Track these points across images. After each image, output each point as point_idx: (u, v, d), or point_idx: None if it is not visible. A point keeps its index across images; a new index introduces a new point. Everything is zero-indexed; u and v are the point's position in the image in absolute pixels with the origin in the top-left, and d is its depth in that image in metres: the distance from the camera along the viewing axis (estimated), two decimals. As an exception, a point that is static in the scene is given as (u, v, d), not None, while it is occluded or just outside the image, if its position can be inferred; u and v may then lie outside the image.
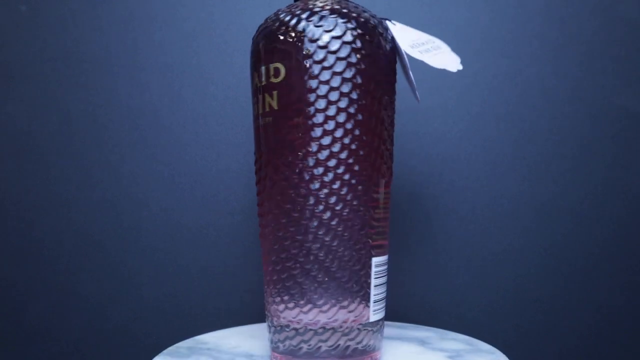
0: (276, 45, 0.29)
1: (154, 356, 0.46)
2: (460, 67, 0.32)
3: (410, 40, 0.32)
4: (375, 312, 0.31)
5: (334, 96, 0.29)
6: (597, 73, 0.46)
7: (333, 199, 0.29)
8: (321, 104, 0.29)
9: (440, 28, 0.46)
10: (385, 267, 0.32)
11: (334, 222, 0.29)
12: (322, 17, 0.29)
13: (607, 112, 0.46)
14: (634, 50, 0.46)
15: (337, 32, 0.29)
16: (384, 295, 0.31)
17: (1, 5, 0.46)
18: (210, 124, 0.46)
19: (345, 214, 0.29)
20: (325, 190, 0.29)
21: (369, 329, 0.30)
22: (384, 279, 0.31)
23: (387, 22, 0.31)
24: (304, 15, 0.29)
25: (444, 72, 0.46)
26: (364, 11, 0.30)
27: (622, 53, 0.46)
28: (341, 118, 0.29)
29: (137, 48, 0.46)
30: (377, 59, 0.30)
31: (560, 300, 0.46)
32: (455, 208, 0.46)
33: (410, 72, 0.32)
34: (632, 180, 0.46)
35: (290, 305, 0.30)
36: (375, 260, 0.31)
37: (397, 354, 0.33)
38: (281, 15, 0.30)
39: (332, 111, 0.29)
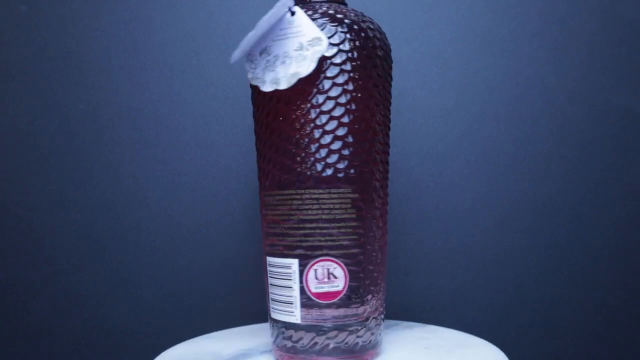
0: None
1: (154, 356, 0.46)
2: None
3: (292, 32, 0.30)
4: (275, 311, 0.31)
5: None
6: (597, 73, 0.46)
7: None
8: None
9: (440, 28, 0.46)
10: (289, 269, 0.30)
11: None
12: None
13: (607, 112, 0.46)
14: (634, 50, 0.46)
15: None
16: (290, 299, 0.30)
17: (1, 5, 0.46)
18: (210, 124, 0.46)
19: (263, 216, 0.32)
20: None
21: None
22: (287, 282, 0.30)
23: (296, 7, 0.30)
24: None
25: (444, 72, 0.46)
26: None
27: (622, 53, 0.46)
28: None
29: (137, 48, 0.46)
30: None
31: (560, 300, 0.46)
32: (455, 208, 0.46)
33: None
34: (632, 180, 0.46)
35: None
36: (269, 260, 0.31)
37: (397, 352, 0.33)
38: None
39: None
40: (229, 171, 0.46)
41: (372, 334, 0.31)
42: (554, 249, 0.46)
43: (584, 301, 0.46)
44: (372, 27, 0.31)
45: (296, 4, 0.32)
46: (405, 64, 0.46)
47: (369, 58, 0.30)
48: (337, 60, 0.29)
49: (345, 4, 0.32)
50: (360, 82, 0.30)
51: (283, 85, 0.29)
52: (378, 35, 0.31)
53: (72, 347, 0.46)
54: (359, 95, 0.30)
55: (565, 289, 0.46)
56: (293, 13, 0.30)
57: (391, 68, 0.32)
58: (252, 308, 0.46)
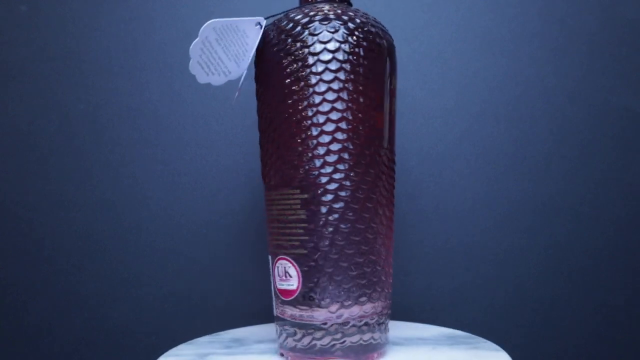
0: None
1: (154, 356, 0.46)
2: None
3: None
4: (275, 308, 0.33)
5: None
6: (597, 73, 0.46)
7: None
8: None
9: (440, 28, 0.46)
10: (270, 266, 0.33)
11: None
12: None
13: (607, 112, 0.46)
14: (634, 50, 0.46)
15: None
16: (272, 292, 0.33)
17: (1, 5, 0.46)
18: (210, 124, 0.46)
19: None
20: None
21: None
22: (271, 278, 0.33)
23: (263, 21, 0.32)
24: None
25: (444, 72, 0.46)
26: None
27: (622, 53, 0.46)
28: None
29: (137, 48, 0.46)
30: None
31: (560, 300, 0.46)
32: (455, 208, 0.46)
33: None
34: (632, 180, 0.46)
35: None
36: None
37: (400, 353, 0.33)
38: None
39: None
40: (229, 171, 0.46)
41: (336, 339, 0.30)
42: (554, 249, 0.46)
43: (584, 301, 0.46)
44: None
45: (301, 4, 0.32)
46: (405, 64, 0.46)
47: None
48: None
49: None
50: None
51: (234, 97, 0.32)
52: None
53: (72, 347, 0.46)
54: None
55: (565, 289, 0.46)
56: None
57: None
58: (252, 308, 0.46)
